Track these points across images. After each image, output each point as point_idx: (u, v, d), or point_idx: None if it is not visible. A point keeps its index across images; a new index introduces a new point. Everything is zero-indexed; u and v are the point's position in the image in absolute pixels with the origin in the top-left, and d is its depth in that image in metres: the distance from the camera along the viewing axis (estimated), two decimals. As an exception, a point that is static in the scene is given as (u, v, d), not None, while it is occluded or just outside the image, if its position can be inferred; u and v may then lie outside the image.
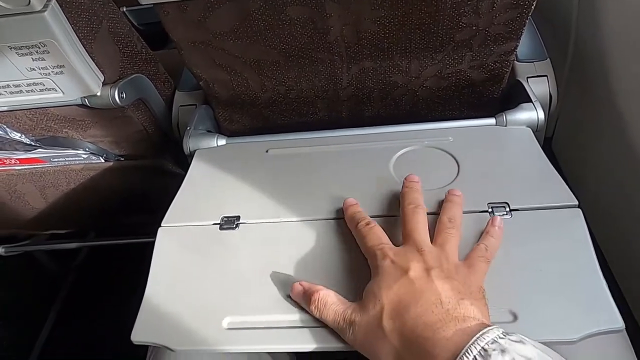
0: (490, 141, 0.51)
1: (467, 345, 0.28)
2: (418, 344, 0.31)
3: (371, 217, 0.42)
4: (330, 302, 0.36)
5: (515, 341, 0.28)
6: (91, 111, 0.56)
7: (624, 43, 0.58)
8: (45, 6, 0.42)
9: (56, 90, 0.51)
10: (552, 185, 0.44)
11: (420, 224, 0.40)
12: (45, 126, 0.60)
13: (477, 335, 0.29)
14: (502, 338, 0.28)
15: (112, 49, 0.53)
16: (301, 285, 0.38)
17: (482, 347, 0.28)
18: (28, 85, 0.50)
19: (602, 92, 0.62)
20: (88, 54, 0.49)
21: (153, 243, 0.67)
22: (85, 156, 0.65)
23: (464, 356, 0.28)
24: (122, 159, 0.67)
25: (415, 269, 0.35)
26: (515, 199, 0.43)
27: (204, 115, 0.60)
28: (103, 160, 0.66)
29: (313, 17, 0.46)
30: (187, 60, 0.51)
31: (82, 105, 0.54)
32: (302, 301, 0.38)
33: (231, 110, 0.59)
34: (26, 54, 0.46)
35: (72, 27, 0.46)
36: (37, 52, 0.46)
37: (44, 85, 0.50)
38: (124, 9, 0.82)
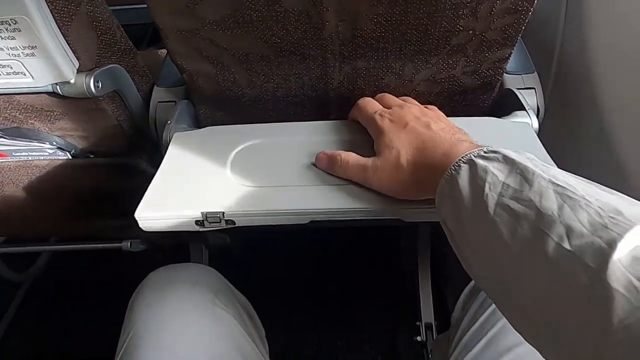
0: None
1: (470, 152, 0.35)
2: (432, 165, 0.37)
3: None
4: (352, 159, 0.43)
5: (485, 156, 0.34)
6: (62, 101, 0.52)
7: (608, 59, 0.59)
8: (20, -21, 0.39)
9: (25, 75, 0.47)
10: None
11: (388, 97, 0.49)
12: (9, 115, 0.55)
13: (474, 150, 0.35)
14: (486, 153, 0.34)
15: (90, 34, 0.49)
16: (324, 153, 0.45)
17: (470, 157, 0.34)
18: (-7, 67, 0.46)
19: (584, 106, 0.62)
20: (64, 36, 0.45)
21: (121, 250, 0.63)
22: (51, 151, 0.61)
23: (445, 174, 0.35)
24: (92, 156, 0.62)
25: (412, 121, 0.42)
26: None
27: (185, 112, 0.57)
28: (71, 157, 0.62)
29: (308, 10, 0.44)
30: (172, 50, 0.48)
31: (53, 94, 0.50)
32: (326, 166, 0.45)
33: (214, 107, 0.56)
34: (-6, 31, 0.42)
35: (48, 5, 0.42)
36: (6, 29, 0.42)
37: (11, 67, 0.46)
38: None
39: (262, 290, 0.78)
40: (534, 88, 0.59)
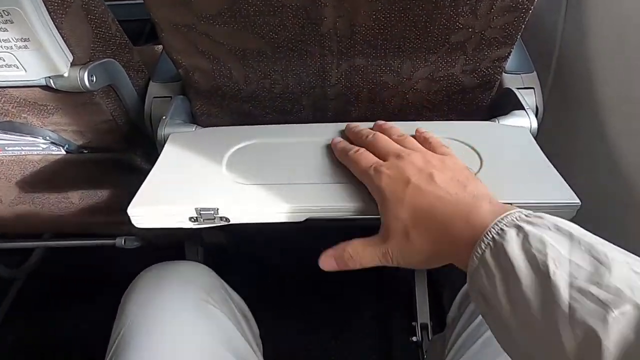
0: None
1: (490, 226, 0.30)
2: (452, 235, 0.33)
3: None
4: (360, 248, 0.38)
5: (533, 222, 0.29)
6: (55, 95, 0.52)
7: (607, 59, 0.58)
8: (13, -31, 0.38)
9: (18, 68, 0.46)
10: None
11: (382, 141, 0.42)
12: (2, 109, 0.54)
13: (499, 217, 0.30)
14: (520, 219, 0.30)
15: (85, 27, 0.49)
16: (327, 255, 0.40)
17: (500, 228, 0.29)
18: (-15, 59, 0.46)
19: (583, 106, 0.62)
20: (57, 29, 0.45)
21: (115, 246, 0.62)
22: (44, 146, 0.60)
23: (484, 237, 0.30)
24: (86, 151, 0.62)
25: (414, 176, 0.36)
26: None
27: (180, 107, 0.56)
28: (64, 152, 0.61)
29: (307, 6, 0.43)
30: (167, 44, 0.47)
31: (46, 87, 0.49)
32: (337, 266, 0.40)
33: (210, 103, 0.55)
34: (-14, 23, 0.42)
35: (42, -4, 0.42)
36: (-1, 21, 0.41)
37: (4, 60, 0.46)
38: None
39: (256, 289, 0.78)
40: (533, 88, 0.59)
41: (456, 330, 0.53)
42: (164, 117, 0.52)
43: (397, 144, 0.42)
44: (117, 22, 0.54)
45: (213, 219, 0.42)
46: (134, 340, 0.45)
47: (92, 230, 0.76)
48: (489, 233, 0.29)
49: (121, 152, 0.62)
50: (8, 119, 0.56)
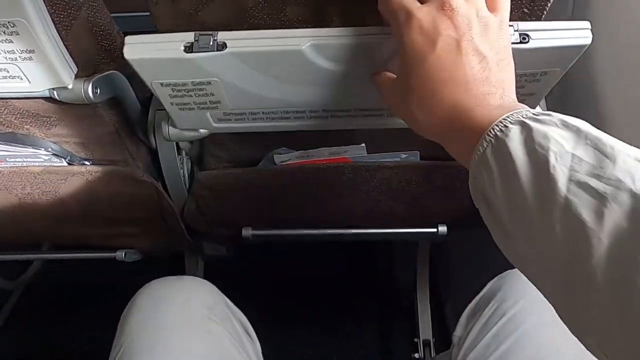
0: None
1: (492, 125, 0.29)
2: (449, 127, 0.32)
3: None
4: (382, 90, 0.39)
5: (539, 119, 0.28)
6: (58, 107, 0.51)
7: (612, 66, 0.58)
8: (20, -19, 0.38)
9: (22, 79, 0.46)
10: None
11: None
12: (4, 120, 0.54)
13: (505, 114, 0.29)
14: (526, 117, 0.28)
15: (90, 39, 0.48)
16: None
17: (504, 125, 0.29)
18: (-11, 70, 0.45)
19: (587, 113, 0.62)
20: (62, 41, 0.44)
21: (115, 260, 0.61)
22: (46, 157, 0.60)
23: (486, 134, 0.29)
24: (88, 163, 0.61)
25: (444, 40, 0.32)
26: None
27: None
28: (66, 163, 0.60)
29: (313, 21, 0.43)
30: None
31: (49, 99, 0.49)
32: None
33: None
34: (-9, 34, 0.41)
35: (48, 9, 0.42)
36: (4, 32, 0.41)
37: (8, 71, 0.45)
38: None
39: (257, 304, 0.77)
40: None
41: (463, 350, 0.52)
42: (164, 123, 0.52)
43: None
44: (122, 35, 0.54)
45: (209, 45, 0.40)
46: (135, 357, 0.44)
47: (92, 242, 0.75)
48: (492, 130, 0.29)
49: (123, 164, 0.61)
50: (10, 130, 0.56)
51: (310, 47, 0.40)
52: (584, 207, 0.24)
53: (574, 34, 0.40)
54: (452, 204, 0.67)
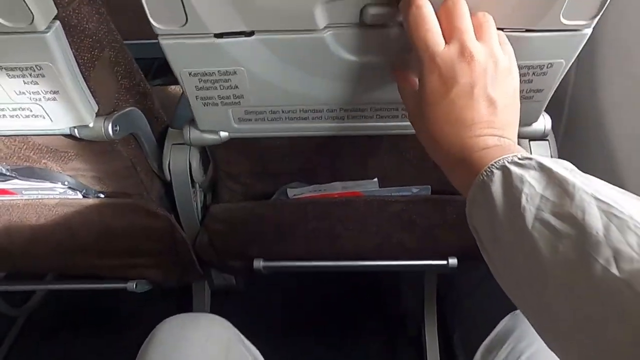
0: None
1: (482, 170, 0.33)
2: (452, 160, 0.36)
3: None
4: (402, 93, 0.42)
5: (520, 163, 0.32)
6: (77, 143, 0.52)
7: (621, 108, 0.59)
8: (49, 27, 0.39)
9: (44, 118, 0.47)
10: None
11: (465, 17, 0.35)
12: (23, 155, 0.55)
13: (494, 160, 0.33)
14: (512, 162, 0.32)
15: (111, 78, 0.50)
16: None
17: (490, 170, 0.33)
18: (13, 109, 0.46)
19: (597, 156, 0.63)
20: (85, 81, 0.45)
21: (126, 290, 0.60)
22: (61, 190, 0.60)
23: (477, 179, 0.33)
24: (103, 195, 0.62)
25: (459, 88, 0.35)
26: None
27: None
28: (81, 196, 0.61)
29: None
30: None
31: (69, 136, 0.50)
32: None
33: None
34: (18, 76, 0.42)
35: (74, 52, 0.43)
36: (30, 74, 0.42)
37: (31, 111, 0.46)
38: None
39: (266, 334, 0.77)
40: (547, 139, 0.59)
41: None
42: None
43: (474, 26, 0.36)
44: (140, 72, 0.55)
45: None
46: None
47: (102, 273, 0.75)
48: (481, 175, 0.33)
49: (137, 197, 0.62)
50: (28, 164, 0.56)
51: (330, 35, 0.41)
52: (544, 243, 0.28)
53: None
54: (462, 237, 0.68)
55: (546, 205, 0.29)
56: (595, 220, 0.27)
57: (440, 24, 0.36)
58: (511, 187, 0.31)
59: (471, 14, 0.36)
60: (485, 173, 0.33)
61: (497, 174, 0.32)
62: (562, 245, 0.27)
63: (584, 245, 0.26)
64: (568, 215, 0.28)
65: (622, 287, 0.24)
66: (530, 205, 0.29)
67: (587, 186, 0.29)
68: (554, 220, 0.28)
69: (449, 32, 0.35)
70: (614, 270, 0.25)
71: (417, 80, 0.38)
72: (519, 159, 0.32)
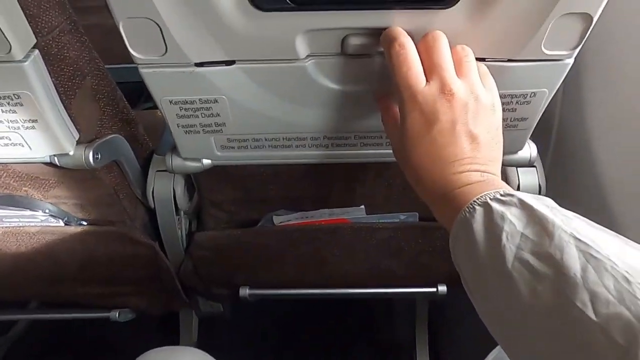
0: None
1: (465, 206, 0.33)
2: (435, 196, 0.36)
3: None
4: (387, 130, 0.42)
5: (502, 200, 0.32)
6: (58, 170, 0.51)
7: (608, 135, 0.59)
8: (27, 56, 0.39)
9: (23, 146, 0.46)
10: None
11: (440, 50, 0.35)
12: (3, 183, 0.54)
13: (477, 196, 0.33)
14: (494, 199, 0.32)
15: (93, 106, 0.49)
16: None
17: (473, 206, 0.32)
18: (-9, 138, 0.46)
19: (585, 182, 0.62)
20: (66, 110, 0.45)
21: (108, 320, 0.59)
22: (43, 218, 0.59)
23: (459, 216, 0.33)
24: (85, 223, 0.61)
25: (441, 125, 0.35)
26: None
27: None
28: (63, 224, 0.60)
29: None
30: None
31: (49, 164, 0.49)
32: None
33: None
34: (-5, 105, 0.42)
35: (53, 80, 0.42)
36: (8, 103, 0.42)
37: (9, 139, 0.46)
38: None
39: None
40: (535, 166, 0.59)
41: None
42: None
43: (454, 61, 0.36)
44: (124, 99, 0.54)
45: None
46: None
47: (86, 300, 0.74)
48: (463, 212, 0.33)
49: (121, 225, 0.61)
50: (8, 192, 0.55)
51: (312, 64, 0.41)
52: (523, 284, 0.28)
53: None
54: (451, 263, 0.67)
55: (526, 244, 0.29)
56: (573, 261, 0.27)
57: (420, 59, 0.36)
58: (492, 224, 0.31)
59: (451, 47, 0.37)
60: (467, 210, 0.32)
61: (479, 210, 0.32)
62: (541, 287, 0.27)
63: (562, 288, 0.26)
64: (547, 255, 0.28)
65: (597, 332, 0.24)
66: (510, 243, 0.29)
67: (567, 225, 0.28)
68: (532, 260, 0.28)
69: (430, 69, 0.36)
70: (591, 314, 0.25)
71: (399, 114, 0.38)
72: (501, 195, 0.32)
